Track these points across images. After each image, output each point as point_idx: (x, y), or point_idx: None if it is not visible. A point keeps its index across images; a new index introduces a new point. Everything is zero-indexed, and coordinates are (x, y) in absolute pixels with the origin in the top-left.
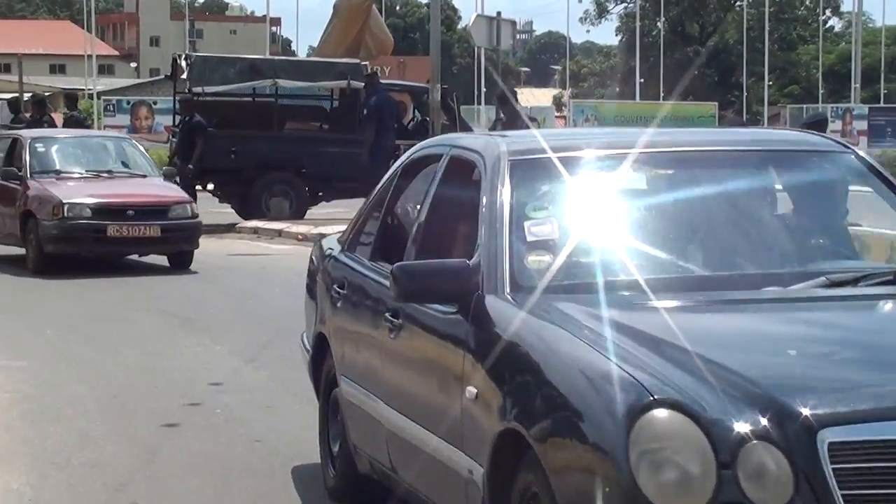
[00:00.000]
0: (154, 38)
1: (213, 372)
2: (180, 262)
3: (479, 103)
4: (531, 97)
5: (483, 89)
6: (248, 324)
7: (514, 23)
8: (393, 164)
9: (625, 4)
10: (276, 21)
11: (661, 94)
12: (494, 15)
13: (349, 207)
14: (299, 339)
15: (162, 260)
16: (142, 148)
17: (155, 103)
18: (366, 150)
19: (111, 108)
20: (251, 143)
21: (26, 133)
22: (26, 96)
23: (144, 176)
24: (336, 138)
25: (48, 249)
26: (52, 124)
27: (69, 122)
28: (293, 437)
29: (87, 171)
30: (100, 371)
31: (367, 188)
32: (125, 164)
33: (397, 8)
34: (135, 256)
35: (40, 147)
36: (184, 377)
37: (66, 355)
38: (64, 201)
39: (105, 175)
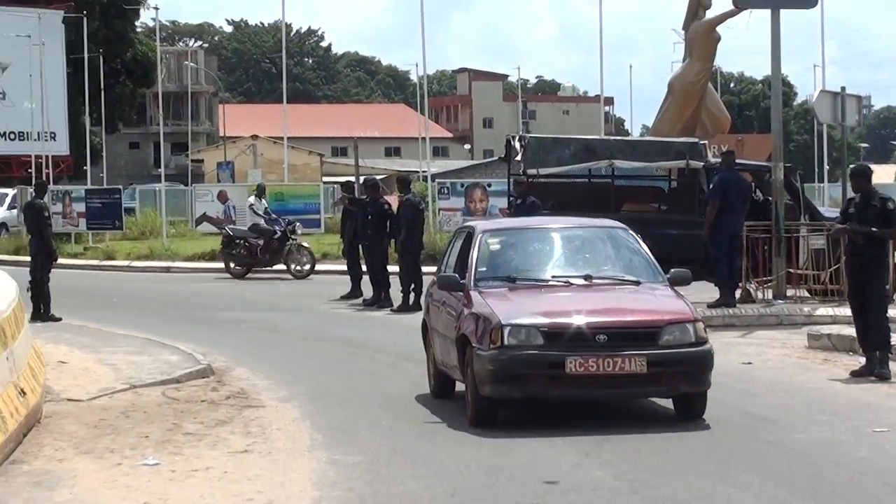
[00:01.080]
0: (487, 120)
1: (554, 468)
2: (687, 409)
3: (822, 181)
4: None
5: (826, 167)
6: (592, 414)
7: (859, 98)
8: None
9: None
10: (609, 100)
11: None
12: (838, 90)
13: (688, 291)
14: (638, 435)
15: None
16: (639, 240)
17: (489, 185)
18: (706, 229)
19: (445, 191)
20: None
21: (479, 225)
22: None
23: (637, 283)
24: (674, 219)
25: (484, 392)
26: (389, 207)
27: (405, 206)
28: None
29: (553, 278)
30: (437, 467)
31: (705, 270)
32: (610, 265)
33: (731, 85)
34: None
35: (494, 242)
36: (523, 474)
37: (402, 450)
38: (504, 322)
39: (579, 283)
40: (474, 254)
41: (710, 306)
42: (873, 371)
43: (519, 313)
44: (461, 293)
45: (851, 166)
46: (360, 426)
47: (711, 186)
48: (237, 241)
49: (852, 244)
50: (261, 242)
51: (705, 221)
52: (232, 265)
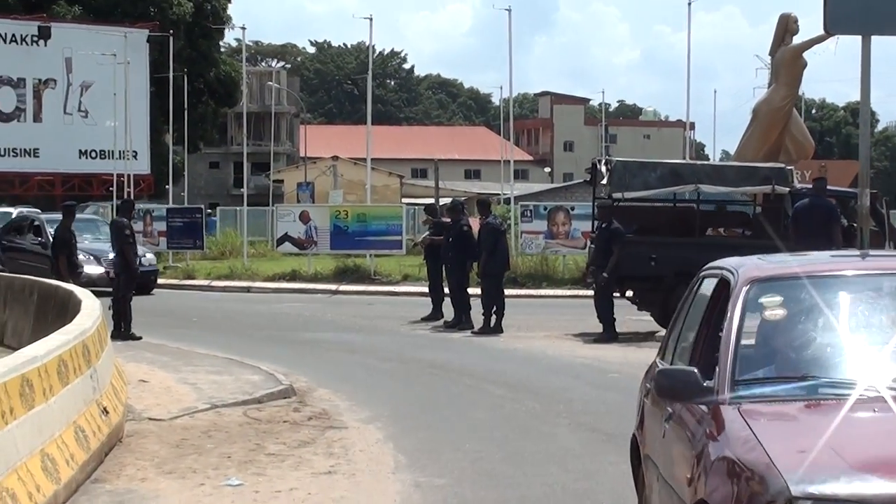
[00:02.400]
0: (568, 143)
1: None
2: None
3: None
4: None
5: None
6: None
7: None
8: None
9: None
10: (691, 126)
11: None
12: None
13: None
14: None
15: (580, 370)
16: None
17: (573, 209)
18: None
19: (528, 214)
20: (671, 249)
21: (742, 268)
22: (442, 201)
23: None
24: (759, 245)
25: None
26: (470, 230)
27: (486, 228)
28: None
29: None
30: (522, 491)
31: None
32: None
33: (813, 111)
34: (547, 367)
35: (773, 305)
36: (611, 499)
37: (486, 472)
38: (798, 492)
39: None
40: (733, 328)
41: None
42: None
43: (829, 469)
44: (704, 407)
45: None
46: (443, 448)
47: (791, 214)
48: None
49: None
50: None
51: (787, 247)
52: None
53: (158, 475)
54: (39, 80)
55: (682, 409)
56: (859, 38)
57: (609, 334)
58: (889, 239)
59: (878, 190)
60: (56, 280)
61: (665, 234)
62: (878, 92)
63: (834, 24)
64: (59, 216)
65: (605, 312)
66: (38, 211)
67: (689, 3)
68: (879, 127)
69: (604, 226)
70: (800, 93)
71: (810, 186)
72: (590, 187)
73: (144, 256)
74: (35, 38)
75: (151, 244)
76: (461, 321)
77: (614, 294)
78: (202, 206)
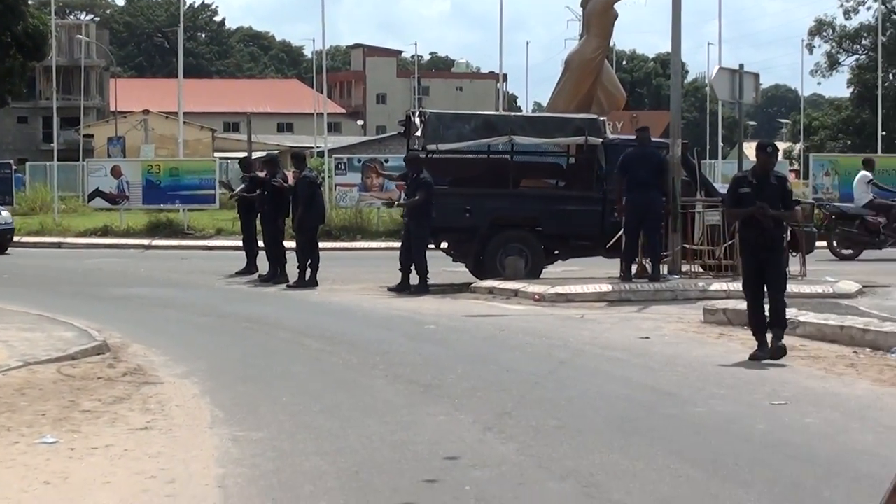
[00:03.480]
0: (380, 96)
1: (458, 444)
2: None
3: (715, 158)
4: None
5: (719, 144)
6: (490, 390)
7: (756, 76)
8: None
9: (856, 56)
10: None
11: None
12: (736, 68)
13: (585, 266)
14: (546, 408)
15: (396, 322)
16: None
17: (387, 161)
18: (617, 205)
19: (342, 167)
20: (486, 201)
21: None
22: (255, 155)
23: None
24: (572, 195)
25: None
26: (286, 183)
27: (302, 182)
28: None
29: None
30: (340, 443)
31: (601, 245)
32: None
33: (624, 63)
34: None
35: None
36: (428, 450)
37: (304, 425)
38: None
39: None
40: None
41: (614, 280)
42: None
43: None
44: None
45: (759, 140)
46: (260, 402)
47: (618, 164)
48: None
49: (757, 225)
50: (882, 220)
51: (616, 198)
52: (838, 246)
53: None
54: None
55: None
56: None
57: (423, 287)
58: (700, 189)
59: (688, 140)
60: None
61: (480, 186)
62: (686, 43)
63: None
64: None
65: (421, 264)
66: None
67: None
68: (689, 78)
69: (413, 176)
70: (611, 44)
71: (624, 137)
72: (404, 140)
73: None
74: None
75: None
76: (276, 275)
77: (429, 246)
78: (10, 162)
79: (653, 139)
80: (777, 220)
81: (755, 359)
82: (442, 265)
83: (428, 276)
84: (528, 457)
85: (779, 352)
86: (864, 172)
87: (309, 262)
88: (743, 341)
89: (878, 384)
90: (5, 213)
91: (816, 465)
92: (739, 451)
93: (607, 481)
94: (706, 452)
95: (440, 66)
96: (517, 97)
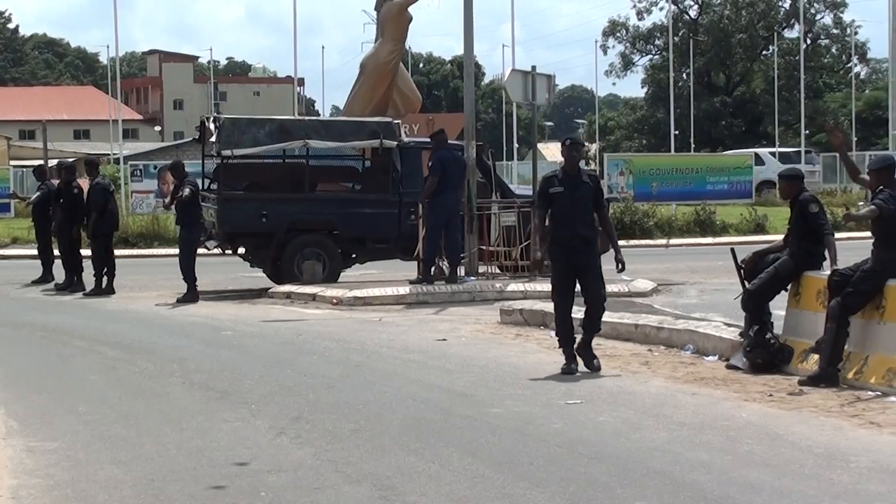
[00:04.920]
0: (177, 102)
1: (255, 450)
2: None
3: (511, 159)
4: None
5: (515, 145)
6: (287, 395)
7: (549, 77)
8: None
9: (650, 56)
10: (300, 81)
11: (693, 146)
12: (529, 70)
13: (383, 269)
14: (342, 411)
15: (193, 329)
16: None
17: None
18: (425, 205)
19: (138, 173)
20: (282, 205)
21: None
22: (51, 163)
23: None
24: (369, 199)
25: None
26: (81, 191)
27: (95, 189)
28: None
29: None
30: (136, 452)
31: (398, 247)
32: None
33: (420, 66)
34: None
35: None
36: (224, 456)
37: (100, 435)
38: None
39: None
40: None
41: (411, 283)
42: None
43: None
44: None
45: (568, 137)
46: (56, 412)
47: (431, 164)
48: None
49: (571, 226)
50: None
51: (423, 195)
52: None
53: None
54: None
55: None
56: None
57: (193, 294)
58: (495, 190)
59: (484, 142)
60: None
61: (276, 191)
62: (482, 45)
63: None
64: None
65: (189, 271)
66: None
67: None
68: (486, 80)
69: (179, 182)
70: (407, 47)
71: (420, 140)
72: (200, 145)
73: None
74: None
75: None
76: (73, 283)
77: (227, 251)
78: None
79: (450, 142)
80: (589, 222)
81: (569, 373)
82: (240, 271)
83: (196, 282)
84: (325, 461)
85: (587, 354)
86: None
87: (105, 269)
88: (539, 341)
89: (671, 381)
90: None
91: (610, 463)
92: (535, 451)
93: (403, 483)
94: (502, 453)
95: (237, 71)
96: (315, 101)
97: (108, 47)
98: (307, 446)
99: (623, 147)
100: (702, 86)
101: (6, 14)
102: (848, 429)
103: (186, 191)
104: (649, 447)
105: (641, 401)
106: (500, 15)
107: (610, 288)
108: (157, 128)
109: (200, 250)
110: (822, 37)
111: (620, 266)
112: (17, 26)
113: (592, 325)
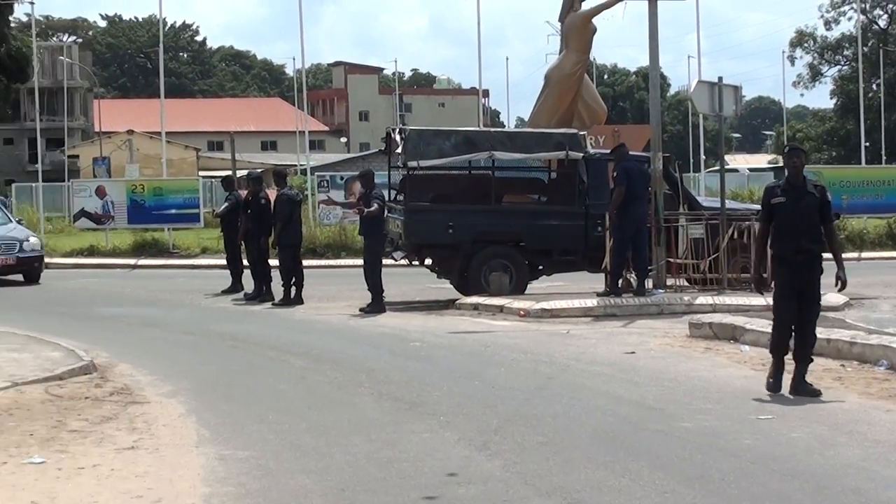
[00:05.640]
0: (363, 113)
1: (444, 461)
2: None
3: (697, 171)
4: (745, 163)
5: (702, 157)
6: (476, 407)
7: (737, 88)
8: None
9: (839, 67)
10: (485, 93)
11: (884, 157)
12: (716, 80)
13: (570, 281)
14: (531, 424)
15: (381, 339)
16: None
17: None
18: (613, 217)
19: (325, 184)
20: (468, 216)
21: None
22: (240, 173)
23: None
24: (555, 210)
25: None
26: (268, 201)
27: (281, 200)
28: None
29: None
30: (326, 462)
31: (585, 260)
32: None
33: (605, 77)
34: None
35: None
36: (414, 468)
37: (290, 444)
38: None
39: None
40: None
41: (599, 295)
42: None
43: None
44: None
45: (788, 144)
46: (246, 421)
47: (616, 175)
48: None
49: (794, 240)
50: None
51: (611, 207)
52: None
53: None
54: None
55: None
56: (646, 2)
57: (379, 305)
58: (683, 202)
59: (670, 154)
60: None
61: (462, 202)
62: (667, 56)
63: None
64: None
65: (375, 282)
66: None
67: None
68: (671, 91)
69: (366, 192)
70: (591, 58)
71: (605, 151)
72: (386, 157)
73: (27, 241)
74: None
75: None
76: (261, 293)
77: (413, 262)
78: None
79: (633, 153)
80: (815, 236)
81: (773, 390)
82: (427, 282)
83: (383, 293)
84: (514, 473)
85: (803, 388)
86: None
87: (293, 279)
88: (729, 355)
89: (865, 397)
90: (34, 240)
91: (803, 479)
92: (726, 467)
93: (592, 497)
94: (692, 467)
95: (422, 83)
96: (500, 113)
97: (294, 59)
98: (496, 458)
99: (812, 159)
100: (893, 97)
101: (194, 27)
102: None
103: (374, 205)
104: (843, 464)
105: (834, 417)
106: (686, 25)
107: None
108: (343, 139)
109: (387, 261)
110: None
111: (840, 284)
112: (205, 39)
113: (805, 352)
